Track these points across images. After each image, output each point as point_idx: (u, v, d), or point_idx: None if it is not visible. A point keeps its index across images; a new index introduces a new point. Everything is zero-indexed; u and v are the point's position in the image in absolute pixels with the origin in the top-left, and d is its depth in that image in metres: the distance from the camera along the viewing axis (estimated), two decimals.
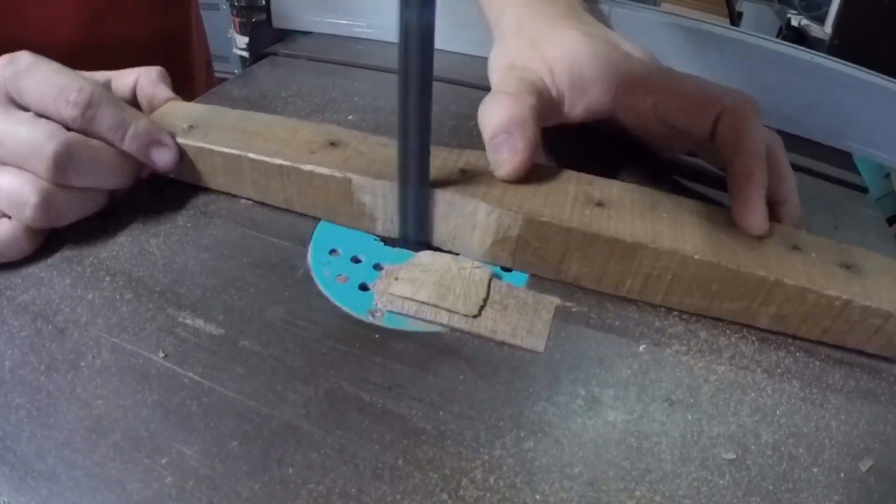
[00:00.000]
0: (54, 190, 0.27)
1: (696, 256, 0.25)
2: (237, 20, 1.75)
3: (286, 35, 0.56)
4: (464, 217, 0.27)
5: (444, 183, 0.28)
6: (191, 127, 0.32)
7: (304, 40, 0.54)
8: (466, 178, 0.28)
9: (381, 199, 0.28)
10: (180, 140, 0.31)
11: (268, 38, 0.55)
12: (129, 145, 0.29)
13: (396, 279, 0.27)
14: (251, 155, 0.30)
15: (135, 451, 0.20)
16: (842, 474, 0.22)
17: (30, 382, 0.22)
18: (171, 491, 0.19)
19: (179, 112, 0.33)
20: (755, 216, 0.27)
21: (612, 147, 0.38)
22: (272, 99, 0.43)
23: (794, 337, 0.26)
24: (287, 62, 0.49)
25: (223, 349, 0.24)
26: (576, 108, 0.33)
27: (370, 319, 0.26)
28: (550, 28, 0.34)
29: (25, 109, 0.28)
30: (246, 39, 1.73)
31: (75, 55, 0.31)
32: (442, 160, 0.29)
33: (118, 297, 0.26)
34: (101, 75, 0.32)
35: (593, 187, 0.28)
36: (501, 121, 0.28)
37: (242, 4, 1.70)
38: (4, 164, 0.27)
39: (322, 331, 0.25)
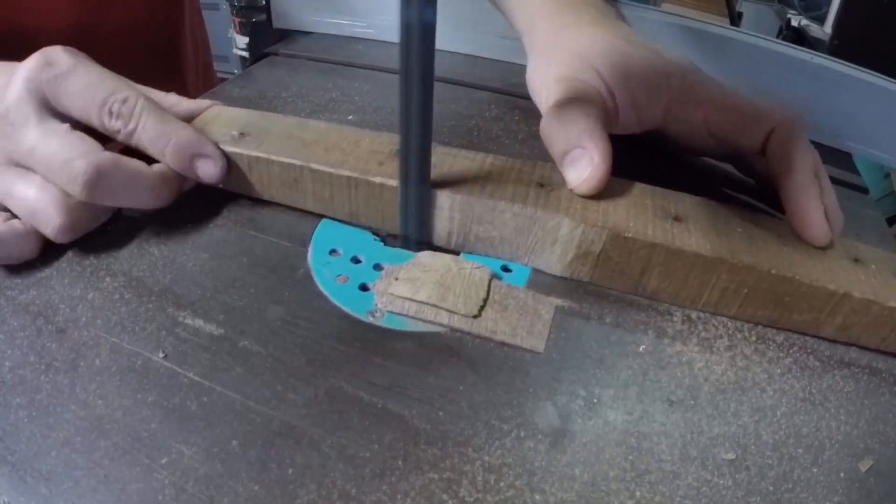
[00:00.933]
0: (81, 208, 0.26)
1: (772, 271, 0.25)
2: (237, 20, 1.75)
3: (286, 35, 0.56)
4: (545, 231, 0.27)
5: (524, 197, 0.27)
6: (242, 134, 0.30)
7: (304, 40, 0.54)
8: (545, 191, 0.28)
9: (459, 213, 0.28)
10: (232, 149, 0.29)
11: (268, 38, 0.55)
12: (171, 159, 0.28)
13: (396, 279, 0.27)
14: (314, 166, 0.28)
15: (135, 451, 0.20)
16: (842, 474, 0.22)
17: (30, 382, 0.22)
18: (171, 491, 0.19)
19: (227, 118, 0.32)
20: (818, 227, 0.27)
21: (637, 151, 0.37)
22: (272, 99, 0.43)
23: (798, 332, 0.27)
24: (287, 62, 0.49)
25: (223, 349, 0.24)
26: (631, 120, 0.32)
27: (370, 320, 0.26)
28: (595, 38, 0.33)
29: (63, 115, 0.27)
30: (246, 39, 1.73)
31: (68, 43, 0.29)
32: (517, 173, 0.29)
33: (118, 297, 0.26)
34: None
35: (668, 201, 0.28)
36: (573, 134, 0.28)
37: (242, 4, 1.70)
38: (31, 171, 0.26)
39: (322, 331, 0.25)
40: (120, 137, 0.27)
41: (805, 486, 0.21)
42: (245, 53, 1.76)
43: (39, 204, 0.26)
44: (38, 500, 0.19)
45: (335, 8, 0.53)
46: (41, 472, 0.20)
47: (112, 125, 0.27)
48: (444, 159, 0.29)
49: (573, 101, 0.30)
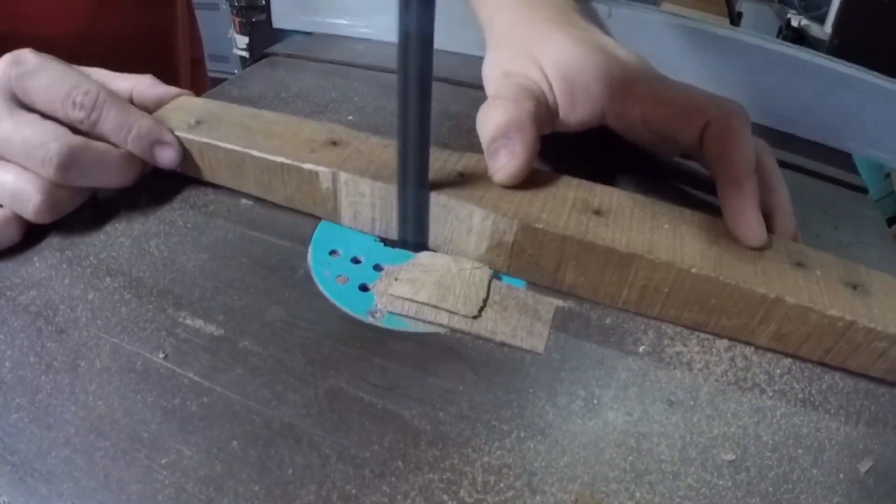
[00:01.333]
0: (56, 188, 0.28)
1: (692, 270, 0.24)
2: (237, 20, 1.75)
3: (286, 35, 0.55)
4: (459, 220, 0.27)
5: (442, 185, 0.28)
6: (198, 122, 0.32)
7: (304, 40, 0.54)
8: (464, 181, 0.28)
9: (379, 200, 0.28)
10: (184, 135, 0.31)
11: (268, 38, 0.55)
12: (132, 146, 0.29)
13: (396, 280, 0.27)
14: (253, 152, 0.30)
15: (135, 451, 0.20)
16: (841, 475, 0.22)
17: (30, 382, 0.22)
18: (171, 491, 0.19)
19: (189, 107, 0.33)
20: (749, 226, 0.26)
21: (613, 150, 0.38)
22: (272, 99, 0.43)
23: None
24: (287, 62, 0.49)
25: (223, 349, 0.24)
26: (570, 117, 0.32)
27: (370, 320, 0.26)
28: (543, 34, 0.34)
29: (31, 109, 0.28)
30: (246, 39, 1.73)
31: (66, 50, 0.31)
32: (441, 162, 0.29)
33: (118, 297, 0.26)
34: (96, 74, 0.32)
35: (592, 194, 0.28)
36: (499, 125, 0.28)
37: (242, 4, 1.70)
38: (7, 161, 0.27)
39: (322, 331, 0.25)
40: (83, 127, 0.28)
41: (805, 486, 0.21)
42: (245, 53, 1.76)
43: (17, 187, 0.27)
44: (38, 500, 0.19)
45: (335, 8, 0.53)
46: (41, 472, 0.20)
47: (75, 115, 0.28)
48: (375, 148, 0.30)
49: (511, 94, 0.30)
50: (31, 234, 0.29)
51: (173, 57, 0.60)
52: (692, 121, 0.29)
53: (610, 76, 0.31)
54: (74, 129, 0.28)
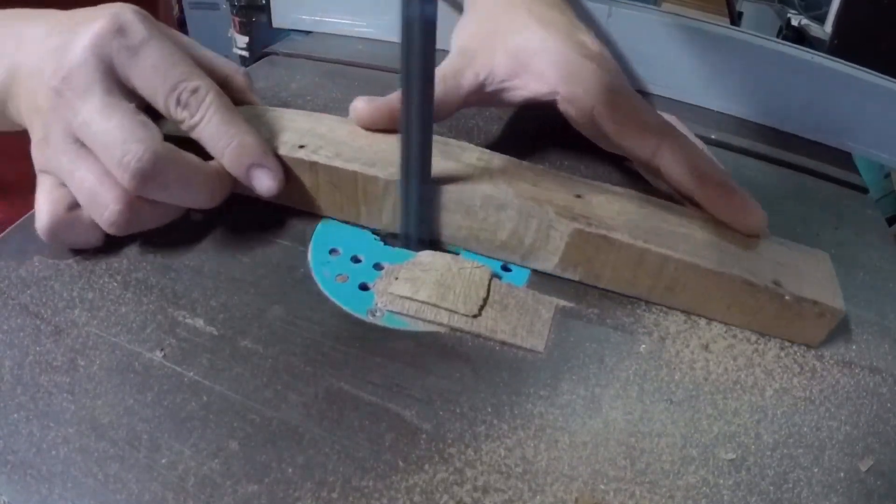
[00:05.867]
0: (139, 201, 0.25)
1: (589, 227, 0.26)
2: (237, 20, 1.74)
3: (286, 35, 0.55)
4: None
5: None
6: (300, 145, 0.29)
7: (304, 40, 0.54)
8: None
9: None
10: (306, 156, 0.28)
11: (268, 38, 0.55)
12: (228, 161, 0.26)
13: (396, 279, 0.27)
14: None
15: (135, 451, 0.20)
16: (842, 474, 0.22)
17: (29, 382, 0.22)
18: (171, 491, 0.19)
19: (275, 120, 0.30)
20: (754, 215, 0.27)
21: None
22: (272, 99, 0.42)
23: (793, 341, 0.27)
24: (287, 62, 0.49)
25: (223, 349, 0.24)
26: (515, 96, 0.34)
27: (370, 319, 0.26)
28: (516, 19, 0.34)
29: (128, 90, 0.25)
30: (246, 39, 1.73)
31: None
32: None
33: (118, 296, 0.26)
34: (180, 39, 0.29)
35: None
36: (391, 99, 0.30)
37: (242, 4, 1.70)
38: (87, 148, 0.25)
39: (322, 331, 0.25)
40: (182, 128, 0.26)
41: (805, 486, 0.21)
42: (245, 53, 1.75)
43: (97, 190, 0.25)
44: (38, 500, 0.19)
45: (335, 8, 0.53)
46: (41, 472, 0.20)
47: (177, 114, 0.25)
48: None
49: (448, 73, 0.32)
50: (31, 234, 0.29)
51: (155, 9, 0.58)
52: (646, 143, 0.29)
53: (568, 64, 0.32)
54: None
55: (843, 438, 0.23)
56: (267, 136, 0.28)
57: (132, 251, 0.28)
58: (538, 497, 0.20)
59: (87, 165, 0.25)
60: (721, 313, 0.27)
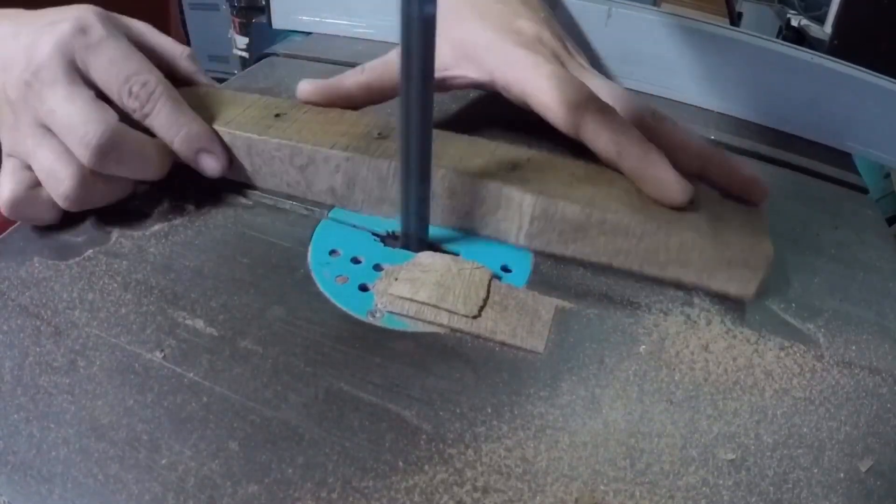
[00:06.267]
0: (92, 177, 0.28)
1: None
2: (237, 20, 1.75)
3: (286, 36, 0.55)
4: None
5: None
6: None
7: (304, 40, 0.54)
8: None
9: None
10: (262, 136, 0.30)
11: (268, 39, 0.55)
12: (178, 147, 0.29)
13: (396, 280, 0.27)
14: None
15: (135, 451, 0.20)
16: (842, 474, 0.22)
17: (29, 383, 0.22)
18: (171, 491, 0.19)
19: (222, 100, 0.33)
20: (675, 185, 0.28)
21: None
22: None
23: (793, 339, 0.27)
24: (287, 62, 0.49)
25: (223, 349, 0.24)
26: (458, 80, 0.37)
27: (370, 320, 0.26)
28: (456, 16, 0.36)
29: (89, 82, 0.28)
30: (246, 39, 1.73)
31: None
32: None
33: (118, 297, 0.26)
34: (135, 27, 0.32)
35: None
36: (349, 76, 0.35)
37: (242, 4, 1.70)
38: (53, 134, 0.27)
39: (322, 331, 0.25)
40: (135, 117, 0.28)
41: (805, 486, 0.21)
42: (245, 54, 1.76)
43: (53, 165, 0.27)
44: (37, 500, 0.19)
45: (335, 8, 0.53)
46: (41, 472, 0.20)
47: (129, 104, 0.28)
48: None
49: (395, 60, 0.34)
50: (31, 235, 0.29)
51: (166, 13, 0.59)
52: (570, 118, 0.31)
53: (500, 53, 0.34)
54: (123, 115, 0.28)
55: (842, 439, 0.23)
56: (209, 116, 0.31)
57: (132, 252, 0.28)
58: (538, 497, 0.20)
59: (49, 145, 0.27)
60: (643, 262, 0.28)
